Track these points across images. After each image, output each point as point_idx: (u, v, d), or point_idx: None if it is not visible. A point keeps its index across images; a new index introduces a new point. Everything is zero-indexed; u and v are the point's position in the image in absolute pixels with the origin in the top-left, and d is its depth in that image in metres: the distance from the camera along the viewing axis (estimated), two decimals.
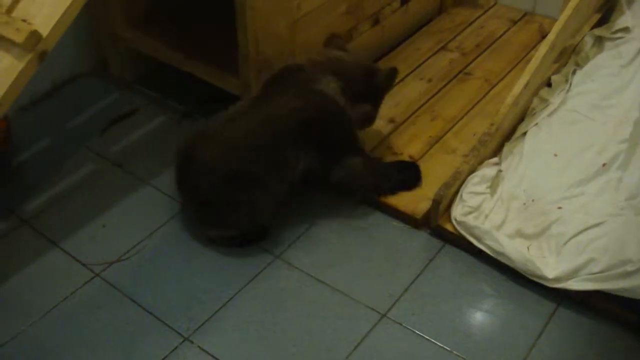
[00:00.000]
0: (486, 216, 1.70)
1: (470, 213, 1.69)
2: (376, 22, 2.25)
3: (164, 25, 2.17)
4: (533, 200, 1.69)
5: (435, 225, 1.72)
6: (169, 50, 2.10)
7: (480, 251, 1.64)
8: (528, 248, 1.62)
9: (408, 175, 1.83)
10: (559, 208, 1.65)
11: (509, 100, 1.80)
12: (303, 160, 1.65)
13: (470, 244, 1.66)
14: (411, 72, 2.25)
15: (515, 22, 2.49)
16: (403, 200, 1.80)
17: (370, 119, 1.85)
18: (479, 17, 2.53)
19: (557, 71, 2.05)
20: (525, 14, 2.53)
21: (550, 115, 1.91)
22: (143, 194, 1.87)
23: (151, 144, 2.03)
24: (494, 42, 2.39)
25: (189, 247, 1.72)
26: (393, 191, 1.79)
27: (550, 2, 2.46)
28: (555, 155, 1.79)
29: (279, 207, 1.70)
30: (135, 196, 1.86)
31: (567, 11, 1.91)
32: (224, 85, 1.99)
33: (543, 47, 1.87)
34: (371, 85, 1.78)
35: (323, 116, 1.67)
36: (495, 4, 2.59)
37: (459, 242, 1.69)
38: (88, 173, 1.93)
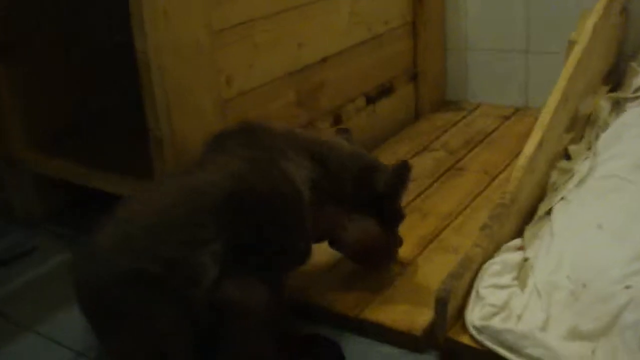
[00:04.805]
0: (519, 317, 1.13)
1: (495, 315, 1.13)
2: (337, 120, 1.82)
3: (74, 144, 1.74)
4: (584, 286, 1.14)
5: (444, 339, 1.14)
6: (74, 166, 1.64)
7: None
8: (593, 352, 1.04)
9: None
10: (627, 287, 1.09)
11: (523, 161, 1.31)
12: (216, 259, 1.06)
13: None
14: None
15: (507, 118, 2.08)
16: (392, 314, 1.23)
17: (374, 240, 1.27)
18: (463, 118, 2.12)
19: (573, 142, 1.59)
20: (517, 110, 2.13)
21: (578, 185, 1.42)
22: (25, 341, 1.31)
23: (40, 288, 1.50)
24: (486, 137, 1.96)
25: None
26: None
27: (545, 94, 2.07)
28: (600, 227, 1.27)
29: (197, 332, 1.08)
30: (15, 344, 1.30)
31: (576, 55, 1.50)
32: None
33: (553, 99, 1.43)
34: (368, 188, 1.25)
35: (263, 195, 1.12)
36: (478, 106, 2.20)
37: None
38: None
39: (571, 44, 1.55)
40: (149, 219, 1.08)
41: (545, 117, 1.38)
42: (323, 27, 1.72)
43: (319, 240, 1.27)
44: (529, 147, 1.34)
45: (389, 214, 1.27)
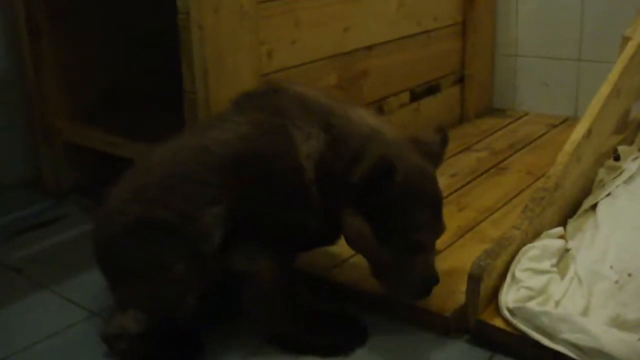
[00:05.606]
0: (557, 303, 1.06)
1: (531, 298, 1.06)
2: (380, 111, 1.78)
3: (112, 115, 1.74)
4: (630, 275, 1.07)
5: (476, 321, 1.08)
6: (112, 137, 1.63)
7: (556, 354, 0.99)
8: (637, 341, 0.96)
9: (341, 339, 1.10)
10: None
11: (569, 147, 1.25)
12: (221, 223, 1.04)
13: (537, 345, 1.01)
14: None
15: (555, 126, 2.01)
16: None
17: (368, 246, 1.06)
18: (509, 123, 2.06)
19: (623, 143, 1.52)
20: (566, 119, 2.06)
21: (627, 182, 1.35)
22: (40, 298, 1.29)
23: (63, 252, 1.49)
24: (532, 142, 1.89)
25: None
26: (304, 351, 1.08)
27: None
28: None
29: (207, 292, 1.06)
30: (30, 300, 1.29)
31: (629, 50, 1.43)
32: None
33: (604, 91, 1.36)
34: (345, 177, 1.04)
35: (264, 161, 1.05)
36: (526, 114, 2.14)
37: (517, 346, 1.04)
38: None
39: (625, 39, 1.48)
40: (163, 170, 1.08)
41: (594, 107, 1.31)
42: (370, 14, 1.69)
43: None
44: (576, 134, 1.27)
45: (379, 218, 1.02)
